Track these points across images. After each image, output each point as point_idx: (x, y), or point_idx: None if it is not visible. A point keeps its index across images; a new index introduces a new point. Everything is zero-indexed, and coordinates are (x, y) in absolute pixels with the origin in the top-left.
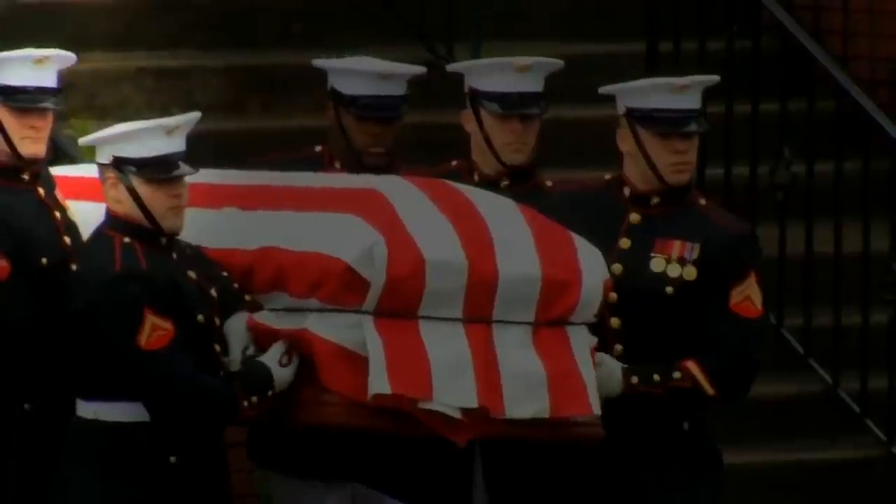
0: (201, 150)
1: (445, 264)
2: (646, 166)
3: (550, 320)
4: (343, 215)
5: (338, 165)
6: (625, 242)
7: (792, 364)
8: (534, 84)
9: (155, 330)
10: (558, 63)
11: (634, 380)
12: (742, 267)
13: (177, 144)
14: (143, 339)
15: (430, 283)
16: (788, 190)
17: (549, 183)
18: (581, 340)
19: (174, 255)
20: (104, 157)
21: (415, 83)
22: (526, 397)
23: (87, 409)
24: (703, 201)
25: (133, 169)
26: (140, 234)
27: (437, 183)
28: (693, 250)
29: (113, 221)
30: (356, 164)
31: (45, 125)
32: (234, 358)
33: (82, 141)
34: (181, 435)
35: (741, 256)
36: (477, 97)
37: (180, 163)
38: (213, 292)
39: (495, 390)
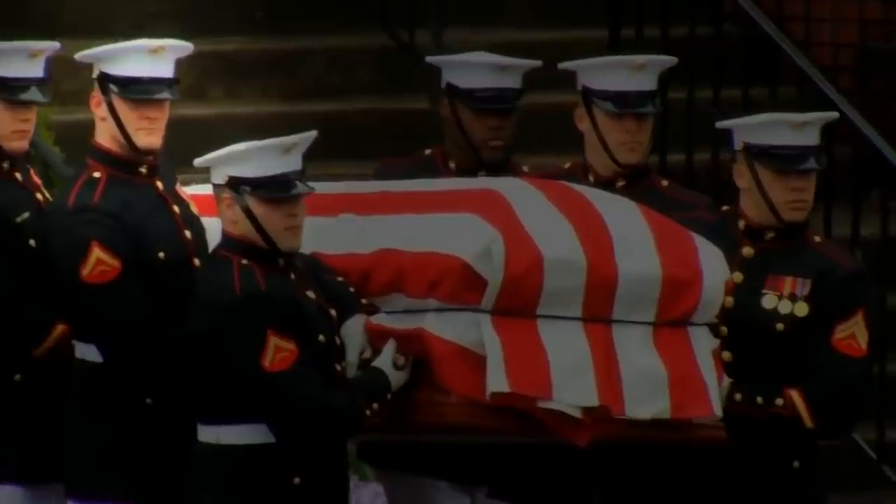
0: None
1: (564, 263)
2: (762, 202)
3: (671, 320)
4: (461, 215)
5: (452, 165)
6: (737, 276)
7: None
8: (648, 82)
9: (278, 352)
10: (672, 60)
11: (738, 397)
12: (850, 305)
13: (293, 163)
14: (267, 362)
15: (549, 282)
16: None
17: (664, 182)
18: (702, 341)
19: (292, 276)
20: (219, 177)
21: (380, 70)
22: (647, 397)
23: (209, 433)
24: (817, 238)
25: (248, 189)
26: (257, 255)
27: (554, 183)
28: (805, 286)
29: (229, 242)
30: (474, 159)
31: (162, 116)
32: (351, 360)
33: (198, 162)
34: (304, 455)
35: (851, 294)
36: (590, 96)
37: (297, 182)
38: (333, 312)
39: (616, 390)
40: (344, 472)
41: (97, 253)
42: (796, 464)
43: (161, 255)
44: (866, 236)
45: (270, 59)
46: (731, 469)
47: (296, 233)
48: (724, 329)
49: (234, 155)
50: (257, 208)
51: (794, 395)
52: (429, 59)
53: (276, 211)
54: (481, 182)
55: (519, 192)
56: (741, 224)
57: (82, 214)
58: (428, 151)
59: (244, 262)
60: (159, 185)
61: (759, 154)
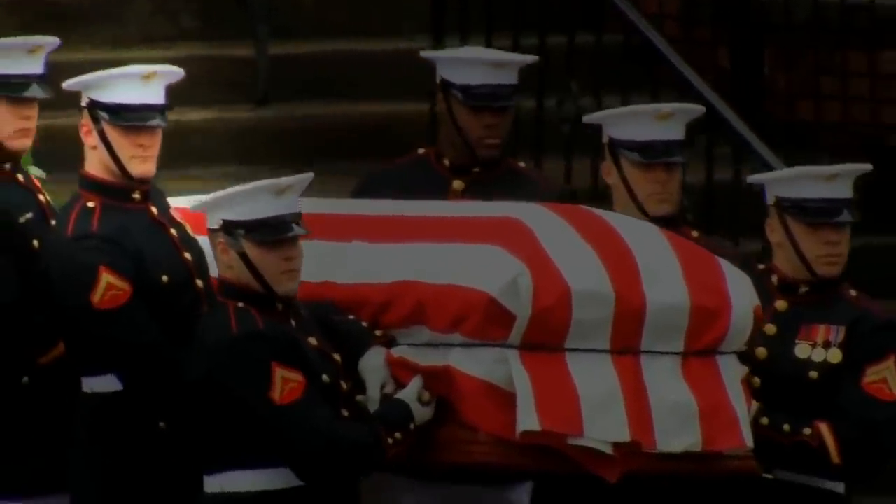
0: None
1: (592, 294)
2: (795, 256)
3: (700, 350)
4: (483, 246)
5: (446, 163)
6: (770, 328)
7: None
8: (675, 132)
9: (286, 383)
10: (699, 109)
11: (764, 420)
12: (883, 348)
13: (289, 205)
14: (277, 395)
15: (577, 315)
16: (575, 124)
17: (694, 234)
18: (731, 371)
19: (292, 322)
20: (214, 221)
21: (205, 17)
22: (677, 430)
23: (213, 483)
24: (853, 292)
25: (242, 232)
26: (254, 300)
27: (577, 209)
28: (839, 333)
29: (225, 288)
30: (469, 156)
31: (154, 143)
32: (373, 396)
33: (193, 206)
34: (313, 500)
35: (885, 339)
36: (616, 147)
37: (293, 224)
38: (337, 357)
39: (646, 423)
40: None
41: (106, 277)
42: None
43: (164, 278)
44: (693, 183)
45: (96, 5)
46: None
47: (293, 276)
48: (756, 380)
49: (228, 198)
50: (252, 252)
51: (824, 428)
52: (423, 54)
53: (271, 254)
54: (502, 208)
55: (541, 220)
56: (774, 279)
57: (84, 241)
58: (421, 151)
59: (240, 305)
60: (153, 209)
61: (792, 208)
